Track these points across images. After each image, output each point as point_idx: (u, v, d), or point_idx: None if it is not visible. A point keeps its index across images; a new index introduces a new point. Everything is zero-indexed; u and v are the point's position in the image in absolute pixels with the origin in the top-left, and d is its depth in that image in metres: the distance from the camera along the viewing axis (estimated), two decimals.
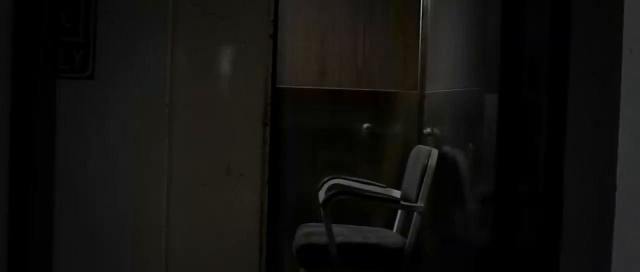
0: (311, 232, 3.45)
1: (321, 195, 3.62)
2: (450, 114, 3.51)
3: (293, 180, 3.98)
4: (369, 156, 4.08)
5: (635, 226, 1.31)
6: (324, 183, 3.77)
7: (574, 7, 2.24)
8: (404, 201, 3.49)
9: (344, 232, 3.41)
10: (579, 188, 2.26)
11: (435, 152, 3.38)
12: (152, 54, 2.57)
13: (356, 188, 3.76)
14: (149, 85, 2.58)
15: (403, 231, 3.56)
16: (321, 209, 3.24)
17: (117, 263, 2.60)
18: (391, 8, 4.12)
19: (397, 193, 3.73)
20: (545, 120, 2.37)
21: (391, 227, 3.70)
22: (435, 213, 3.56)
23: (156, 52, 2.56)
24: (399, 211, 3.70)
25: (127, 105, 2.57)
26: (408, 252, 3.27)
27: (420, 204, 3.30)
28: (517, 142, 2.56)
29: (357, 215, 3.86)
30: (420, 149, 3.62)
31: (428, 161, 3.35)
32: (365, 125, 4.06)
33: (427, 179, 3.31)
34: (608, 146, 2.09)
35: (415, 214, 3.30)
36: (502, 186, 2.63)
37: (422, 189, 3.31)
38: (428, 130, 3.80)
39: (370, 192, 3.76)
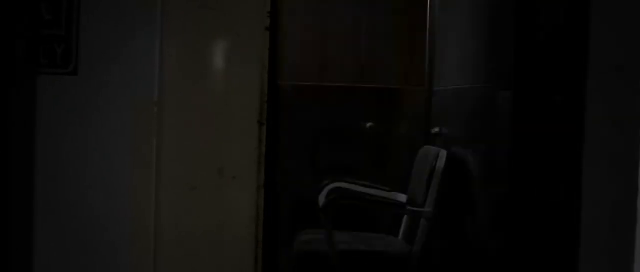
0: (311, 239, 3.44)
1: (321, 199, 3.61)
2: (460, 113, 3.51)
3: (291, 183, 3.98)
4: (372, 157, 4.08)
5: None
6: (324, 186, 3.77)
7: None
8: (411, 205, 3.49)
9: (346, 240, 3.41)
10: (599, 191, 2.26)
11: (443, 153, 3.37)
12: (139, 48, 2.56)
13: (359, 192, 3.76)
14: (136, 82, 2.57)
15: (409, 237, 3.55)
16: (321, 214, 3.24)
17: (103, 269, 2.60)
18: None
19: (403, 197, 3.73)
20: (562, 120, 2.36)
21: (396, 234, 3.70)
22: (444, 218, 3.56)
23: (144, 47, 2.56)
24: (405, 217, 3.70)
25: (113, 103, 2.57)
26: (414, 261, 3.27)
27: (427, 208, 3.30)
28: (532, 143, 2.56)
29: (360, 221, 3.86)
30: (428, 149, 3.61)
31: (436, 163, 3.34)
32: (369, 124, 4.06)
33: (435, 182, 3.31)
34: (630, 147, 2.09)
35: (422, 219, 3.29)
36: (516, 189, 2.63)
37: (429, 193, 3.31)
38: (436, 129, 3.79)
39: (374, 196, 3.76)
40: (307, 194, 3.85)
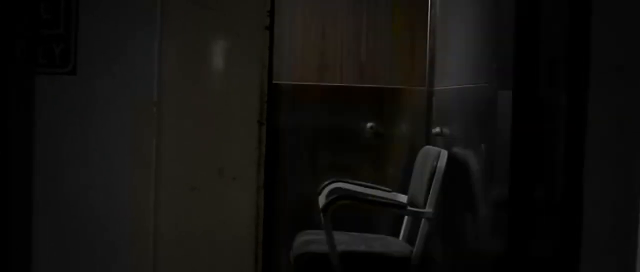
0: (311, 240, 3.45)
1: (321, 200, 3.62)
2: (461, 113, 3.52)
3: (291, 184, 3.99)
4: (372, 157, 4.09)
5: None
6: (324, 187, 3.78)
7: None
8: (411, 206, 3.50)
9: (346, 240, 3.42)
10: (601, 193, 2.27)
11: (444, 154, 3.38)
12: (139, 48, 2.57)
13: (359, 192, 3.77)
14: (135, 82, 2.58)
15: (410, 238, 3.56)
16: (321, 215, 3.25)
17: (103, 269, 2.61)
18: None
19: (403, 198, 3.73)
20: (563, 120, 2.37)
21: (397, 235, 3.71)
22: (444, 219, 3.57)
23: (143, 46, 2.57)
24: (406, 217, 3.70)
25: (112, 103, 2.58)
26: (415, 262, 3.28)
27: (428, 209, 3.30)
28: (533, 143, 2.57)
29: (360, 221, 3.86)
30: (429, 150, 3.62)
31: (437, 163, 3.35)
32: (369, 124, 4.07)
33: (436, 182, 3.31)
34: (631, 147, 2.10)
35: (422, 220, 3.30)
36: (517, 190, 2.63)
37: (430, 194, 3.32)
38: (437, 129, 3.80)
39: (374, 196, 3.77)
40: (306, 195, 3.86)
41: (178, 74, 2.61)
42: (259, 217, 2.67)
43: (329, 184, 3.79)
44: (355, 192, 3.77)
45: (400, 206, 3.63)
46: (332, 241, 3.20)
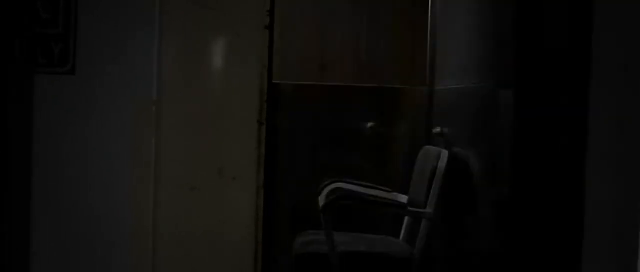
0: (311, 240, 3.46)
1: (321, 200, 3.62)
2: (462, 112, 3.53)
3: (291, 184, 3.99)
4: (373, 157, 4.09)
5: None
6: (324, 187, 3.78)
7: None
8: (412, 206, 3.50)
9: (346, 241, 3.42)
10: (601, 193, 2.28)
11: (445, 154, 3.39)
12: (138, 47, 2.59)
13: (359, 192, 3.77)
14: (134, 81, 2.59)
15: (410, 239, 3.57)
16: (321, 215, 3.25)
17: (102, 269, 2.62)
18: None
19: (403, 198, 3.74)
20: (565, 119, 2.38)
21: (397, 235, 3.71)
22: (445, 220, 3.58)
23: (143, 46, 2.58)
24: (406, 218, 3.71)
25: (112, 103, 2.59)
26: (416, 262, 3.28)
27: (428, 209, 3.31)
28: (534, 142, 2.58)
29: (360, 222, 3.87)
30: (429, 150, 3.63)
31: (437, 163, 3.36)
32: (369, 124, 4.08)
33: (437, 182, 3.32)
34: (633, 147, 2.10)
35: (423, 220, 3.31)
36: (518, 189, 2.64)
37: (431, 194, 3.32)
38: (438, 129, 3.81)
39: (375, 197, 3.77)
40: (307, 195, 3.86)
41: (178, 74, 2.62)
42: (258, 218, 2.69)
43: (329, 184, 3.79)
44: (355, 192, 3.77)
45: (401, 206, 3.64)
46: (332, 242, 3.20)
